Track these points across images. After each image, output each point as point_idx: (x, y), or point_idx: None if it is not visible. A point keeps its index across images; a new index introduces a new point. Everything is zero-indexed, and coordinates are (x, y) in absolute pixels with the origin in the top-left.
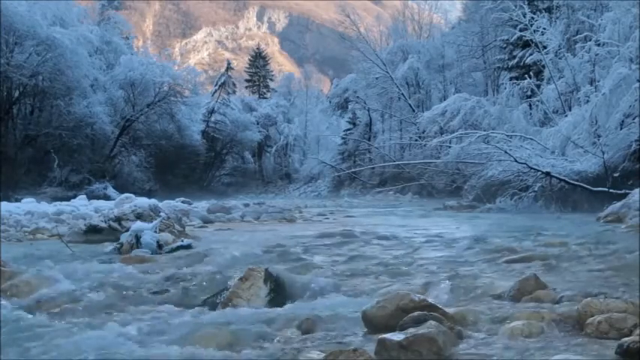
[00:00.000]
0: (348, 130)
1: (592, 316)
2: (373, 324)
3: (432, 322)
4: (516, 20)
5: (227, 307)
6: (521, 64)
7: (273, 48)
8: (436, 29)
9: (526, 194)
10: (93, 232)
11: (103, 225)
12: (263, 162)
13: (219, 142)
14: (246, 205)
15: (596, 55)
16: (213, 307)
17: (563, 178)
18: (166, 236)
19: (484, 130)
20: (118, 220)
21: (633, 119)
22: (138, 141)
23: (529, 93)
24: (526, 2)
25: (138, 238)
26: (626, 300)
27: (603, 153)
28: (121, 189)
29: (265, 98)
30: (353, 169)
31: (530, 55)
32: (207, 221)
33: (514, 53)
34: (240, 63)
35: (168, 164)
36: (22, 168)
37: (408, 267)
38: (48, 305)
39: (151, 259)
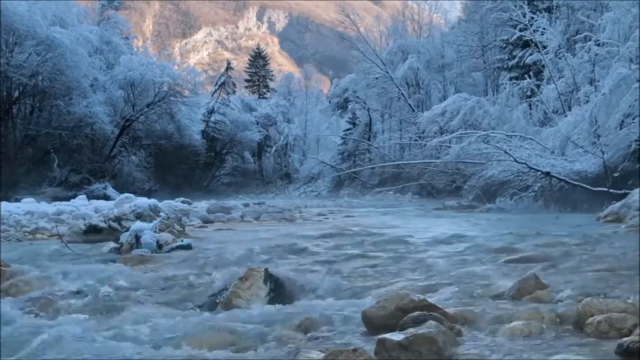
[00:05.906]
0: (348, 130)
1: (592, 316)
2: (373, 324)
3: (432, 322)
4: (516, 20)
5: (227, 307)
6: (521, 64)
7: (273, 48)
8: (436, 29)
9: (526, 194)
10: (93, 232)
11: (103, 225)
12: (263, 162)
13: (219, 142)
14: (246, 205)
15: (596, 55)
16: (213, 307)
17: (563, 178)
18: (166, 236)
19: (484, 130)
20: (118, 220)
21: (633, 119)
22: (138, 141)
23: (529, 93)
24: (526, 2)
25: (138, 237)
26: (625, 300)
27: (603, 153)
28: (121, 189)
29: (265, 98)
30: (353, 169)
31: (530, 55)
32: (207, 221)
33: (514, 53)
34: (240, 63)
35: (168, 164)
36: (22, 168)
37: (407, 267)
38: (47, 305)
39: (151, 258)
